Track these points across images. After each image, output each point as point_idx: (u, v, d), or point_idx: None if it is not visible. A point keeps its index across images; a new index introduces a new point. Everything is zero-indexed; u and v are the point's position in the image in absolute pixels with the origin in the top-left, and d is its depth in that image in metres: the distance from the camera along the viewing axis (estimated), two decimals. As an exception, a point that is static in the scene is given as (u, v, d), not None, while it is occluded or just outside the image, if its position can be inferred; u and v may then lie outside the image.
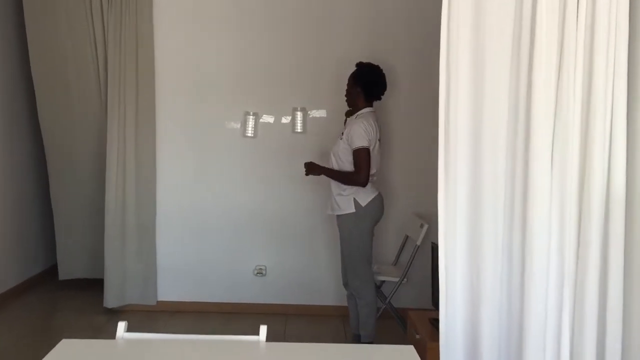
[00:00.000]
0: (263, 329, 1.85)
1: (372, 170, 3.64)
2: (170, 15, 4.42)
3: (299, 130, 4.44)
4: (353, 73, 3.74)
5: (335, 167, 3.70)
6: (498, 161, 2.17)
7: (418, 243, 3.93)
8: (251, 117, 4.44)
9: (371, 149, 3.57)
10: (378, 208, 3.74)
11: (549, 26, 2.04)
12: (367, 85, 3.69)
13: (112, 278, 4.40)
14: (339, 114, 4.42)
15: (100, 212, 4.50)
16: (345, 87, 3.77)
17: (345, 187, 3.65)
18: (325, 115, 4.47)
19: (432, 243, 3.23)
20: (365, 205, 3.64)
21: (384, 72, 3.73)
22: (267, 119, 4.49)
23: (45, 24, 4.55)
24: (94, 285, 4.75)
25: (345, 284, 3.90)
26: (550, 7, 2.04)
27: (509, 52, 2.12)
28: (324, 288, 4.57)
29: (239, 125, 4.48)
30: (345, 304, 4.05)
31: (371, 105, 3.73)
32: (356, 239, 3.68)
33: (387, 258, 4.46)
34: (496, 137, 2.16)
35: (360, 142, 3.54)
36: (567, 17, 2.04)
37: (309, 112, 4.46)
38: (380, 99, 3.78)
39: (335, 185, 3.71)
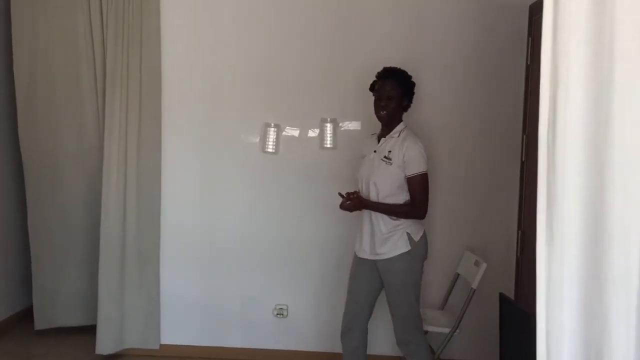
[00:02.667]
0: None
1: None
2: (181, 12, 3.80)
3: (328, 146, 3.76)
4: (396, 81, 3.06)
5: (374, 198, 3.04)
6: (630, 198, 1.43)
7: (474, 286, 3.21)
8: (272, 129, 3.77)
9: None
10: (426, 245, 3.08)
11: None
12: (412, 95, 3.12)
13: (108, 317, 3.75)
14: (375, 127, 3.75)
15: (90, 243, 3.86)
16: (377, 99, 3.09)
17: (398, 221, 3.00)
18: (359, 128, 3.78)
19: (501, 294, 2.50)
20: (418, 241, 3.01)
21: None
22: (291, 132, 3.81)
23: (32, 21, 3.89)
24: (84, 328, 4.08)
25: (349, 329, 3.18)
26: None
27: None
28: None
29: (258, 139, 3.81)
30: (387, 352, 3.42)
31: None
32: (411, 285, 3.01)
33: (430, 300, 3.72)
34: (629, 165, 1.42)
35: (422, 166, 2.97)
36: None
37: (340, 125, 3.78)
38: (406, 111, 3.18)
39: (381, 221, 3.01)
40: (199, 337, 3.91)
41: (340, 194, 3.06)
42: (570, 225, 1.43)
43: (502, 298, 2.48)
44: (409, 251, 2.97)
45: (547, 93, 1.47)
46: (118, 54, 3.70)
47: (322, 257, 3.84)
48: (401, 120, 3.10)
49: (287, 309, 3.87)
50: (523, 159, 3.65)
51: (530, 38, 3.58)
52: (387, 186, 2.99)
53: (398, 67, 3.11)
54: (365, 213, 3.09)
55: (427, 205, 2.98)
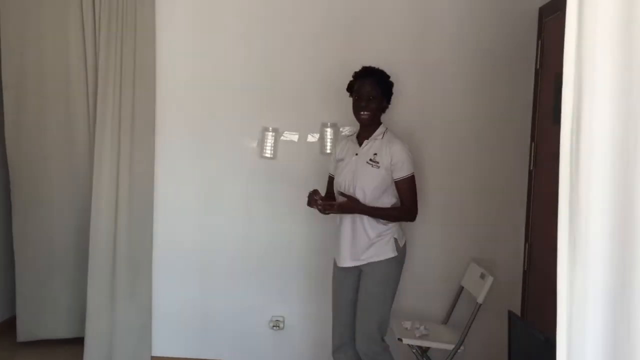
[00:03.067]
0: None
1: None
2: (178, 14, 3.65)
3: (329, 151, 3.60)
4: (376, 80, 2.94)
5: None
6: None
7: (480, 301, 3.06)
8: (270, 133, 3.63)
9: None
10: (406, 251, 3.04)
11: None
12: (390, 97, 3.03)
13: (97, 330, 3.58)
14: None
15: (78, 253, 3.71)
16: (357, 100, 2.98)
17: (388, 225, 2.91)
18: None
19: (510, 312, 2.34)
20: (402, 247, 2.96)
21: None
22: (290, 136, 3.67)
23: (21, 19, 3.72)
24: (71, 340, 3.90)
25: (338, 348, 3.06)
26: None
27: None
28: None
29: (255, 144, 3.67)
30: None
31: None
32: (390, 292, 2.94)
33: (433, 314, 3.56)
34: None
35: (410, 168, 2.91)
36: None
37: (341, 129, 3.62)
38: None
39: (368, 226, 2.89)
40: (193, 349, 3.75)
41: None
42: (596, 243, 1.28)
43: (512, 317, 2.32)
44: (394, 257, 2.89)
45: (571, 100, 1.33)
46: (111, 58, 3.55)
47: (322, 266, 3.65)
48: (381, 122, 3.00)
49: (283, 321, 3.71)
50: (531, 168, 3.50)
51: (539, 41, 3.43)
52: (375, 190, 2.87)
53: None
54: (346, 219, 2.94)
55: (417, 206, 2.91)
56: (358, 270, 2.95)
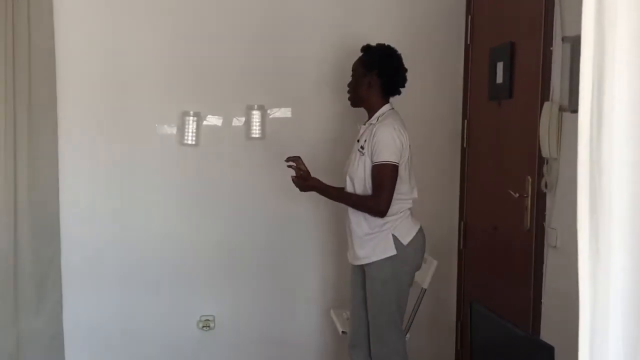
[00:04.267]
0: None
1: (408, 194, 2.66)
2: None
3: (256, 135, 3.35)
4: (360, 57, 2.73)
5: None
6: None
7: (425, 286, 2.95)
8: (192, 118, 3.30)
9: (401, 165, 2.58)
10: (421, 247, 2.72)
11: None
12: (386, 74, 2.68)
13: (0, 344, 3.15)
14: (309, 113, 3.40)
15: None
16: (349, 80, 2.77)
17: (379, 220, 2.59)
18: (289, 116, 3.42)
19: (472, 302, 2.24)
20: (408, 244, 2.62)
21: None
22: (213, 120, 3.37)
23: None
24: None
25: (354, 346, 2.85)
26: None
27: None
28: (304, 345, 3.49)
29: (175, 131, 3.33)
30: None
31: (388, 102, 2.72)
32: (392, 293, 2.64)
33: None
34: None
35: (388, 155, 2.53)
36: None
37: (268, 112, 3.38)
38: (400, 92, 2.76)
39: (362, 220, 2.63)
40: (112, 359, 3.40)
41: (285, 160, 2.73)
42: (623, 240, 1.15)
43: (472, 308, 2.21)
44: (393, 256, 2.60)
45: (589, 80, 1.17)
46: (0, 33, 3.07)
47: (252, 260, 3.45)
48: (384, 103, 2.69)
49: (214, 320, 3.44)
50: (464, 146, 3.44)
51: (469, 16, 3.35)
52: (361, 180, 2.62)
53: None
54: (346, 214, 2.72)
55: (389, 201, 2.53)
56: (363, 269, 2.72)
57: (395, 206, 2.58)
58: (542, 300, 2.58)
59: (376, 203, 2.56)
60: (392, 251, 2.59)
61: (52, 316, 3.29)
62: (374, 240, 2.61)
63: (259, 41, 3.33)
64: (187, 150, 3.34)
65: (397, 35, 3.35)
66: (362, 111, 2.81)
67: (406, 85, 3.26)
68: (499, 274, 3.01)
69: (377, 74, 2.66)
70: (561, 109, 2.34)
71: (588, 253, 1.19)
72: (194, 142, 3.32)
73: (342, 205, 2.76)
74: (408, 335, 2.98)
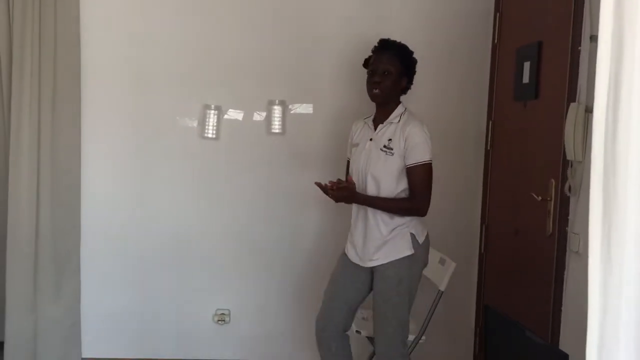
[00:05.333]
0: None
1: None
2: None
3: (276, 131, 3.34)
4: (395, 54, 2.62)
5: (374, 194, 2.61)
6: None
7: (442, 288, 2.89)
8: (213, 112, 3.31)
9: None
10: (428, 248, 2.70)
11: None
12: (412, 74, 2.69)
13: (18, 330, 3.19)
14: (330, 110, 3.37)
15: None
16: (371, 75, 2.65)
17: (401, 219, 2.57)
18: (311, 112, 3.39)
19: (486, 306, 2.19)
20: (422, 243, 2.61)
21: None
22: (234, 114, 3.36)
23: None
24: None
25: (323, 329, 2.77)
26: None
27: None
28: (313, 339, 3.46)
29: (196, 124, 3.34)
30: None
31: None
32: (406, 293, 2.59)
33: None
34: None
35: (425, 154, 2.53)
36: None
37: (289, 107, 3.36)
38: (406, 93, 2.74)
39: (381, 222, 2.58)
40: (128, 349, 3.42)
41: (318, 184, 2.58)
42: (637, 246, 1.10)
43: (488, 310, 2.17)
44: (411, 255, 2.57)
45: (606, 78, 1.12)
46: (27, 34, 3.11)
47: (268, 255, 3.44)
48: (399, 103, 2.67)
49: (229, 314, 3.44)
50: (488, 147, 3.37)
51: (497, 14, 3.28)
52: (389, 181, 2.56)
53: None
54: (360, 211, 2.66)
55: (429, 200, 2.54)
56: (370, 270, 2.66)
57: None
58: (562, 307, 2.50)
59: (422, 203, 2.54)
60: (410, 250, 2.56)
61: (70, 305, 3.33)
62: (394, 239, 2.57)
63: (282, 36, 3.32)
64: (208, 144, 3.34)
65: (424, 34, 3.33)
66: (369, 108, 2.76)
67: (431, 85, 3.22)
68: (520, 279, 2.94)
69: (410, 79, 2.67)
70: (587, 111, 2.26)
71: (599, 258, 1.14)
72: (214, 136, 3.32)
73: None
74: (424, 337, 2.93)
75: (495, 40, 3.30)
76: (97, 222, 3.34)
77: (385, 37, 2.76)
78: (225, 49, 3.31)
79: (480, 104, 3.39)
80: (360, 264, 2.67)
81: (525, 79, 2.83)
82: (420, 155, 2.51)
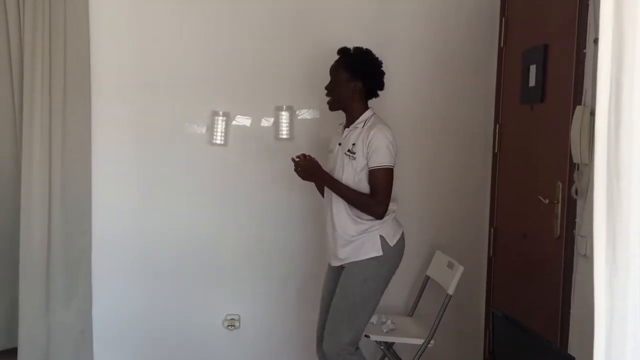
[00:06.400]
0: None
1: (395, 197, 2.66)
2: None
3: (284, 136, 3.36)
4: (342, 61, 2.69)
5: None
6: None
7: (450, 292, 2.90)
8: (221, 118, 3.33)
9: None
10: (402, 250, 2.73)
11: None
12: (367, 77, 2.68)
13: (31, 336, 3.22)
14: (336, 115, 3.37)
15: (6, 255, 3.31)
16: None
17: (369, 221, 2.61)
18: (318, 117, 3.41)
19: (493, 309, 2.19)
20: (394, 245, 2.64)
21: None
22: (242, 120, 3.39)
23: None
24: (2, 352, 3.47)
25: (318, 337, 2.84)
26: None
27: None
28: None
29: (204, 130, 3.37)
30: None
31: (369, 106, 2.74)
32: (369, 293, 2.64)
33: (396, 306, 3.39)
34: None
35: (387, 159, 2.57)
36: None
37: (297, 113, 3.38)
38: (378, 95, 2.77)
39: (349, 222, 2.63)
40: (138, 355, 3.44)
41: (292, 159, 2.69)
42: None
43: (495, 315, 2.16)
44: (379, 257, 2.61)
45: (607, 80, 1.13)
46: (38, 38, 3.14)
47: (279, 261, 3.45)
48: (367, 108, 2.71)
49: (239, 320, 3.46)
50: (496, 150, 3.37)
51: (503, 18, 3.29)
52: (355, 185, 2.61)
53: (375, 50, 2.74)
54: (328, 214, 2.73)
55: (387, 205, 2.57)
56: (340, 270, 2.71)
57: None
58: (571, 310, 2.49)
59: (377, 205, 2.57)
60: (379, 252, 2.60)
61: (82, 310, 3.36)
62: (360, 240, 2.62)
63: (290, 42, 3.33)
64: (216, 150, 3.37)
65: (431, 39, 3.35)
66: (342, 115, 2.79)
67: (438, 89, 3.23)
68: (528, 282, 2.94)
69: (361, 79, 2.66)
70: (593, 113, 2.26)
71: (604, 261, 1.15)
72: (222, 142, 3.35)
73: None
74: (432, 342, 2.93)
75: (502, 44, 3.30)
76: (108, 229, 3.37)
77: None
78: (233, 56, 3.33)
79: (487, 108, 3.40)
80: (332, 263, 2.73)
81: (532, 82, 2.84)
82: (383, 159, 2.55)
